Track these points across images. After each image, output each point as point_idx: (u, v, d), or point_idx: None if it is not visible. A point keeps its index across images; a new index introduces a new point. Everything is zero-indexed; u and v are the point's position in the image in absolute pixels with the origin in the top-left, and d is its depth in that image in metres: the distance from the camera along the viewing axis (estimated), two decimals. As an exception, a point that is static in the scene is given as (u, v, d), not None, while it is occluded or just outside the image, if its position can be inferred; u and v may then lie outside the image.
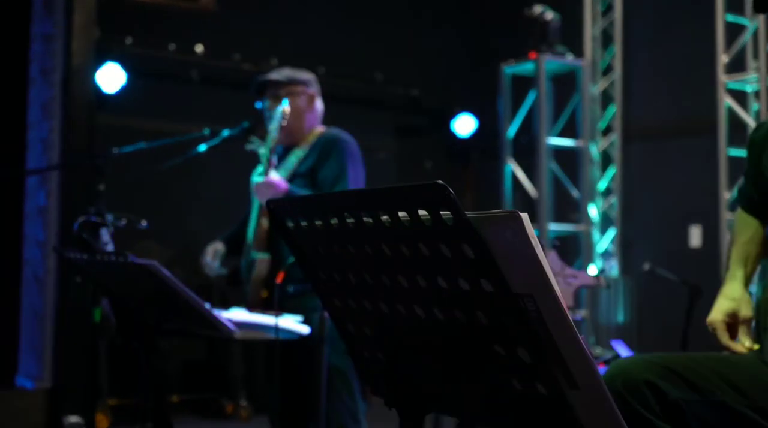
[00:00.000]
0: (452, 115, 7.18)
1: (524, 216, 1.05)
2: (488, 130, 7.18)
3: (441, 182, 1.08)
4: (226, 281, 3.48)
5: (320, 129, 3.53)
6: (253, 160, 3.71)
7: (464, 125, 7.17)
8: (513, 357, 1.18)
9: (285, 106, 3.22)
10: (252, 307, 3.21)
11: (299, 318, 2.92)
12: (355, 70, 6.95)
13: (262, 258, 3.32)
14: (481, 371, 1.24)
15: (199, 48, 6.43)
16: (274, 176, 3.24)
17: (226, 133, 3.34)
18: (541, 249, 1.05)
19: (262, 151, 3.25)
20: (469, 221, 1.08)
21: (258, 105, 3.54)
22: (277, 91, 3.48)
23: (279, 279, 2.42)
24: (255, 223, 3.36)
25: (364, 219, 1.28)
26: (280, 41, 6.81)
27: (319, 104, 3.57)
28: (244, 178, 3.80)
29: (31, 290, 5.56)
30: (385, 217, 1.24)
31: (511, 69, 5.52)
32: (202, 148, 3.34)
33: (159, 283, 2.48)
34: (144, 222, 2.78)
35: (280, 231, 1.48)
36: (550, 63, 5.30)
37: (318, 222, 1.39)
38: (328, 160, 3.36)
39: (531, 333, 1.13)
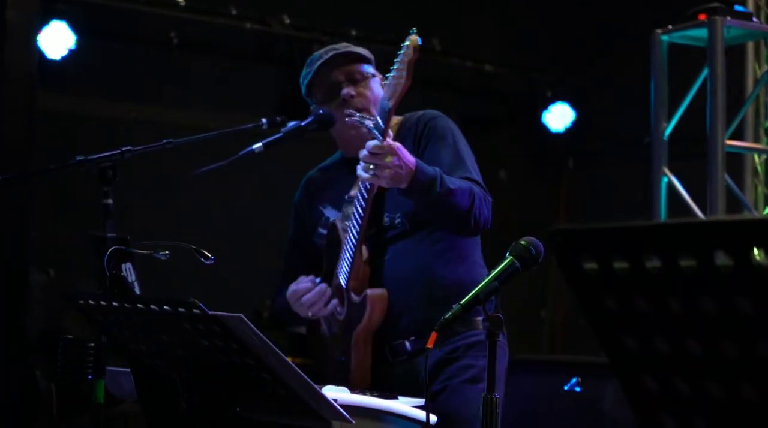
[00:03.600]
0: (541, 102, 7.16)
1: None
2: (590, 124, 7.18)
3: None
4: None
5: (397, 119, 3.49)
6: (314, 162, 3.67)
7: (558, 117, 7.17)
8: None
9: (415, 36, 3.15)
10: (354, 386, 3.15)
11: (414, 401, 2.88)
12: (399, 35, 6.92)
13: (377, 295, 3.27)
14: None
15: (181, -2, 6.42)
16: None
17: (292, 124, 3.30)
18: None
19: (369, 122, 3.19)
20: None
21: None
22: (351, 69, 3.43)
23: (431, 342, 2.36)
24: (352, 252, 3.29)
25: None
26: (294, -9, 6.81)
27: None
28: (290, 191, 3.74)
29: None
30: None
31: (667, 37, 5.49)
32: (256, 147, 3.30)
33: (240, 347, 2.43)
34: (211, 257, 2.73)
35: (570, 275, 1.43)
36: (732, 29, 5.27)
37: (653, 264, 1.34)
38: (430, 143, 3.35)
39: None
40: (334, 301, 3.29)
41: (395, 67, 3.09)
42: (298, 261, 3.56)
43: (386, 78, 3.28)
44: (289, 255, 3.66)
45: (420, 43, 3.08)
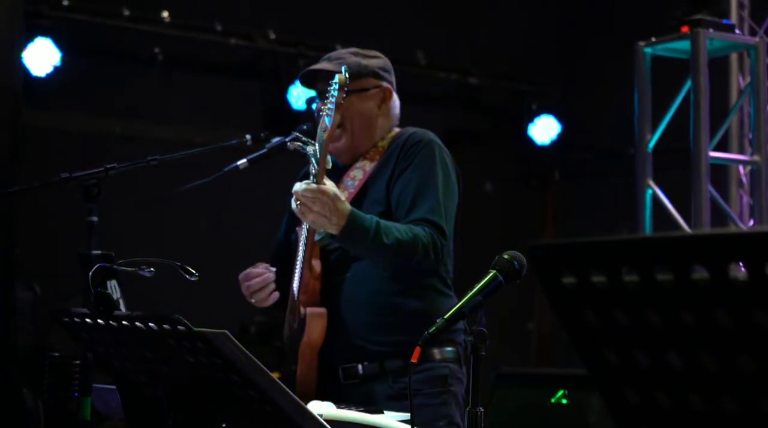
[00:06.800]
0: (527, 114, 7.18)
1: None
2: (575, 136, 7.19)
3: None
4: None
5: (394, 131, 3.53)
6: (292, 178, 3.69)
7: (543, 129, 7.18)
8: None
9: (342, 75, 3.16)
10: (304, 394, 3.16)
11: (399, 415, 2.88)
12: (386, 48, 6.94)
13: (316, 313, 3.28)
14: None
15: (165, 14, 6.42)
16: (331, 186, 3.19)
17: (276, 140, 3.32)
18: None
19: (310, 148, 3.21)
20: None
21: (306, 101, 3.52)
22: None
23: (415, 356, 2.37)
24: (301, 265, 3.32)
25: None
26: (280, 6, 6.82)
27: (396, 102, 3.55)
28: (276, 207, 3.75)
29: None
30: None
31: (651, 49, 5.52)
32: (240, 163, 3.32)
33: (224, 363, 2.43)
34: (196, 274, 2.72)
35: (550, 290, 1.44)
36: (715, 41, 5.31)
37: (631, 278, 1.35)
38: (408, 168, 3.35)
39: None
40: (275, 294, 3.35)
41: (327, 106, 3.11)
42: (280, 257, 3.59)
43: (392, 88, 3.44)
44: (275, 250, 3.70)
45: (348, 81, 3.10)
